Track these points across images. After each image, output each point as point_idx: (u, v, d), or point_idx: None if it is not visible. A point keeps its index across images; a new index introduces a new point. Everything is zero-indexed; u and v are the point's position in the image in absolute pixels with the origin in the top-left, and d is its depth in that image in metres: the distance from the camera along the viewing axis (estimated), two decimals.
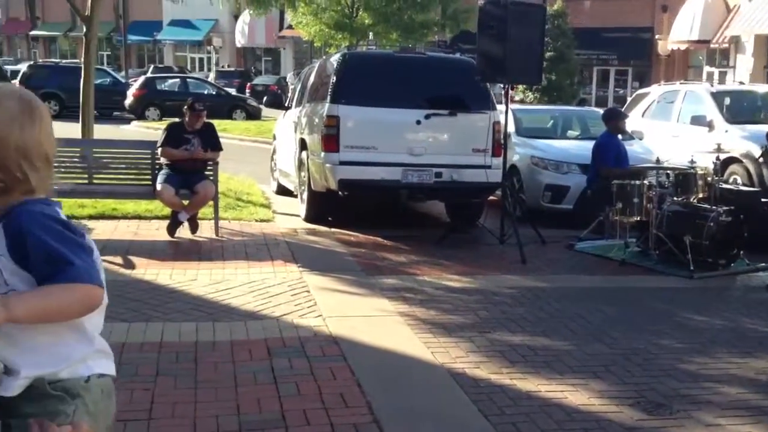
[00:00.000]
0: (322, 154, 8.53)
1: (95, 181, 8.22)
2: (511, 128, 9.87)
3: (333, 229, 8.66)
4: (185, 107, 8.15)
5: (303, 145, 9.40)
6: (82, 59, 11.41)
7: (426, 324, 5.52)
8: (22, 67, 28.36)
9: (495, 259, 7.82)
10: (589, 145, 9.24)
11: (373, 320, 5.57)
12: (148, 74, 31.58)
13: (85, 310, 1.42)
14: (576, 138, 11.49)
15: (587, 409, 4.18)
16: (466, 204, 9.29)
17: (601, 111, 10.91)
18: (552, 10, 24.08)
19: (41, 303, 1.35)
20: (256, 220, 8.94)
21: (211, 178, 8.01)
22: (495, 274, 7.16)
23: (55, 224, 1.44)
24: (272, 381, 4.38)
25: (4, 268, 1.40)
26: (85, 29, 11.09)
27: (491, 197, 9.18)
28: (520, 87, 22.70)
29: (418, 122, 8.61)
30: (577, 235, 8.52)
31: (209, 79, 33.24)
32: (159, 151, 7.97)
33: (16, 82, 23.85)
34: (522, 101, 23.49)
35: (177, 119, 8.60)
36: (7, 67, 26.76)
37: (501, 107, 8.86)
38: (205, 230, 8.11)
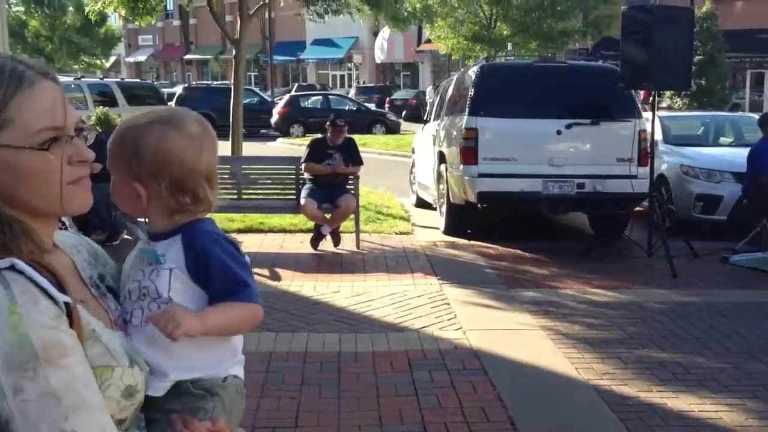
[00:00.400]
0: (461, 166, 8.52)
1: (244, 197, 8.58)
2: (659, 136, 9.48)
3: (472, 242, 8.62)
4: (327, 123, 8.36)
5: (441, 158, 9.43)
6: (232, 80, 11.98)
7: (569, 339, 5.38)
8: (178, 90, 30.10)
9: (642, 272, 7.53)
10: (744, 152, 8.74)
11: (514, 334, 5.49)
12: (292, 92, 32.72)
13: (250, 328, 1.56)
14: (729, 145, 10.91)
15: (744, 430, 3.94)
16: (610, 215, 9.01)
17: (756, 116, 10.29)
18: (700, 12, 23.00)
19: (225, 319, 1.48)
20: (396, 233, 9.04)
21: (353, 192, 8.18)
22: (643, 288, 6.89)
23: (229, 245, 1.54)
24: (413, 393, 4.40)
25: (176, 279, 1.49)
26: (234, 52, 11.65)
27: (638, 208, 8.85)
28: (668, 93, 21.80)
29: (559, 132, 8.45)
30: (732, 247, 8.05)
31: (350, 96, 34.05)
32: (303, 166, 8.22)
33: (172, 103, 25.35)
34: (669, 108, 22.55)
35: (320, 135, 8.84)
36: (163, 89, 28.47)
37: (647, 114, 8.54)
38: (347, 243, 8.28)
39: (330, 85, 48.59)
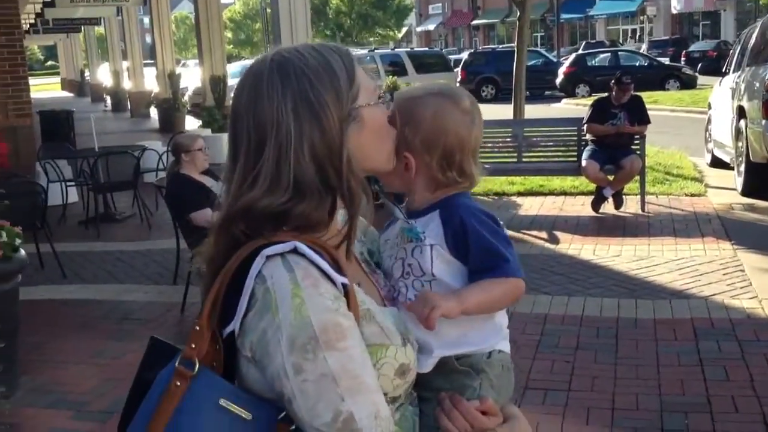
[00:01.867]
0: (763, 121, 7.76)
1: (524, 159, 8.56)
2: None
3: None
4: (612, 81, 8.05)
5: (741, 112, 8.65)
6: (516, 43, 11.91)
7: None
8: (464, 56, 30.64)
9: None
10: None
11: None
12: (579, 51, 31.76)
13: (512, 303, 1.50)
14: None
15: None
16: None
17: None
18: None
19: (484, 296, 1.45)
20: (686, 195, 8.49)
21: (638, 152, 7.81)
22: None
23: (487, 219, 1.50)
24: (697, 363, 4.17)
25: (437, 256, 1.48)
26: (519, 13, 11.56)
27: None
28: None
29: None
30: None
31: (641, 51, 32.27)
32: (585, 127, 8.01)
33: (458, 70, 25.89)
34: None
35: (604, 94, 8.54)
36: (450, 56, 29.12)
37: None
38: (631, 206, 7.95)
39: (620, 40, 46.40)
